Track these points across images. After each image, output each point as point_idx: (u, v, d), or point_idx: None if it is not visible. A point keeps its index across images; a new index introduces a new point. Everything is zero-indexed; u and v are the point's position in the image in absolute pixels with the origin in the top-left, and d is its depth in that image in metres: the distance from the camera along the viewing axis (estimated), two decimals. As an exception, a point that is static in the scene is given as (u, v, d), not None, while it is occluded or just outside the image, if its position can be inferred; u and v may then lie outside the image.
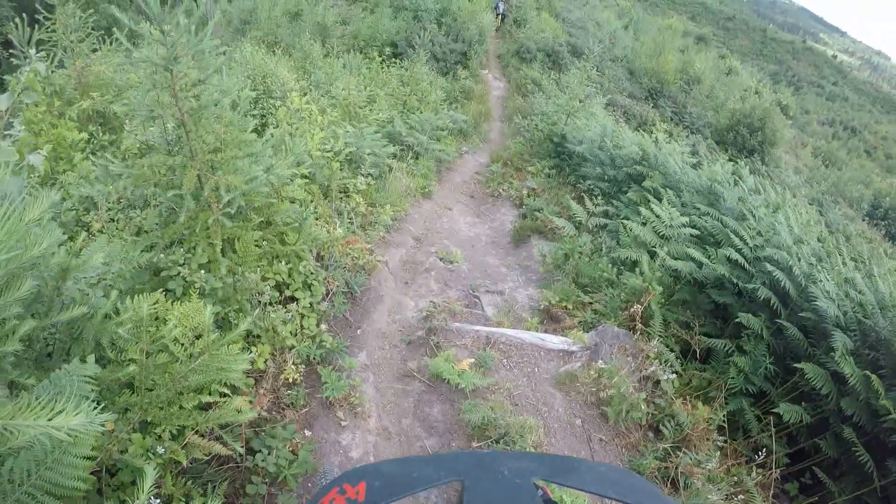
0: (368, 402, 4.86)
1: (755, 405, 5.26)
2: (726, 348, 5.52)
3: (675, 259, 6.09)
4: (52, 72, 5.88)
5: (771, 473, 4.60)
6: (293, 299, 5.04)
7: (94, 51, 6.53)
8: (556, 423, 4.97)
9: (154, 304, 3.16)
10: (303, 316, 4.99)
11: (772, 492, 4.59)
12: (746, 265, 5.70)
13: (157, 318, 3.35)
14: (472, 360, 5.25)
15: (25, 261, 1.65)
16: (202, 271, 3.97)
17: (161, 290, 3.79)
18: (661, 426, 4.97)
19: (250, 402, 3.78)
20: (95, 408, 1.49)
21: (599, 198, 7.87)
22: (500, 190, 10.31)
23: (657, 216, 6.38)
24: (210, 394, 3.18)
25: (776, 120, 15.56)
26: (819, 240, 6.32)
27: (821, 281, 5.16)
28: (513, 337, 5.65)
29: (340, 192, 7.20)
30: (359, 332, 5.60)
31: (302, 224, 5.17)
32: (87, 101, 5.72)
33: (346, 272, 5.95)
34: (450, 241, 8.36)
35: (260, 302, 4.49)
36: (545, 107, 12.41)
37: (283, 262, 4.91)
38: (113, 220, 4.56)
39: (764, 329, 5.27)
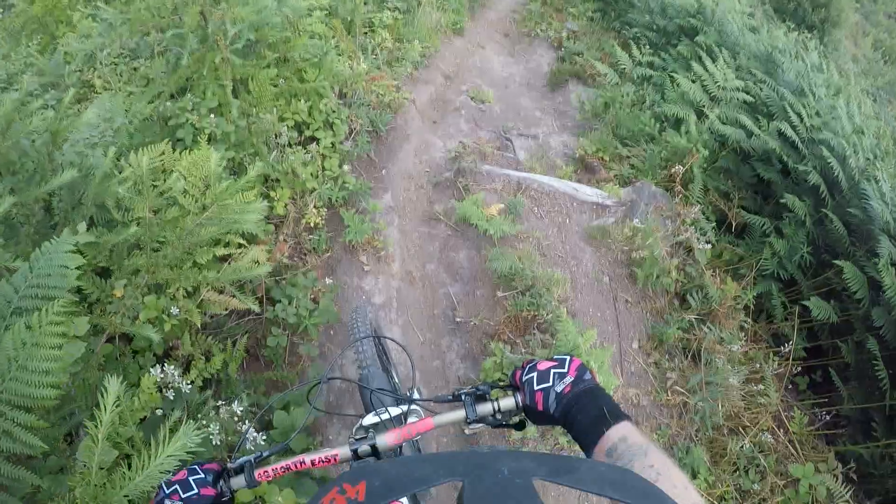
0: (393, 245, 4.60)
1: (782, 291, 4.94)
2: (764, 227, 5.11)
3: (724, 123, 5.53)
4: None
5: (788, 364, 4.38)
6: (314, 139, 4.60)
7: None
8: (584, 278, 4.71)
9: (160, 155, 2.81)
10: (324, 157, 4.58)
11: (784, 383, 4.43)
12: (799, 144, 5.13)
13: (163, 171, 3.01)
14: (502, 205, 4.90)
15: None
16: (212, 116, 3.53)
17: (171, 140, 3.44)
18: (688, 296, 4.69)
19: (268, 251, 3.50)
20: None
21: (646, 47, 7.11)
22: (538, 30, 9.34)
23: (710, 74, 5.70)
24: (226, 245, 2.89)
25: (843, 0, 13.93)
26: (876, 136, 5.65)
27: (878, 180, 4.63)
28: (545, 184, 5.25)
29: (365, 27, 6.55)
30: (383, 172, 5.23)
31: (322, 59, 4.64)
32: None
33: (371, 110, 5.46)
34: (481, 81, 7.69)
35: (278, 144, 4.09)
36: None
37: (303, 101, 4.43)
38: (118, 74, 4.10)
39: (808, 216, 4.84)
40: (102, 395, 1.34)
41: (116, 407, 1.37)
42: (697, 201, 5.28)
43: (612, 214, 5.11)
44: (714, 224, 5.26)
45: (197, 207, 2.90)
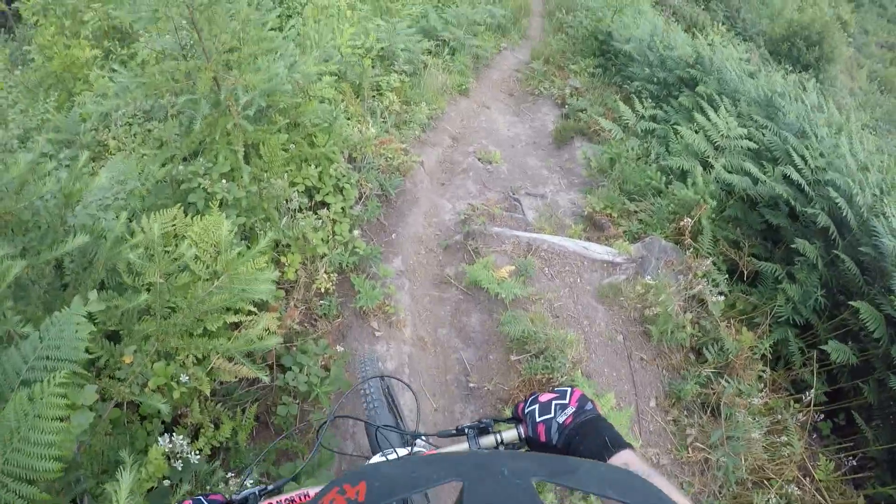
0: (404, 310, 4.57)
1: (798, 336, 4.84)
2: (776, 274, 5.05)
3: (730, 172, 5.54)
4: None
5: (809, 411, 4.26)
6: (324, 204, 4.66)
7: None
8: (597, 338, 4.66)
9: (172, 220, 2.84)
10: (334, 221, 4.63)
11: (807, 430, 4.29)
12: (806, 187, 5.10)
13: (175, 237, 3.04)
14: (513, 267, 4.90)
15: None
16: (223, 181, 3.56)
17: (182, 204, 3.48)
18: (704, 349, 4.63)
19: (279, 318, 3.49)
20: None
21: (648, 100, 7.19)
22: (541, 88, 9.57)
23: (713, 124, 5.74)
24: (236, 313, 2.89)
25: (836, 36, 14.09)
26: (880, 170, 5.61)
27: (887, 215, 4.57)
28: (555, 244, 5.25)
29: (373, 91, 6.70)
30: (393, 236, 5.26)
31: (332, 124, 4.73)
32: (87, 15, 5.22)
33: (380, 174, 5.55)
34: (488, 141, 7.82)
35: (289, 209, 4.13)
36: (590, 1, 11.48)
37: (313, 166, 4.50)
38: (132, 135, 4.18)
39: (819, 259, 4.78)
40: (115, 481, 1.31)
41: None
42: (708, 253, 5.23)
43: (623, 272, 5.09)
44: (726, 275, 5.19)
45: (208, 273, 2.91)
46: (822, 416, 4.44)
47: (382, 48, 6.83)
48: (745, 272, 5.25)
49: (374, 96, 6.62)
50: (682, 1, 15.33)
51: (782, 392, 4.65)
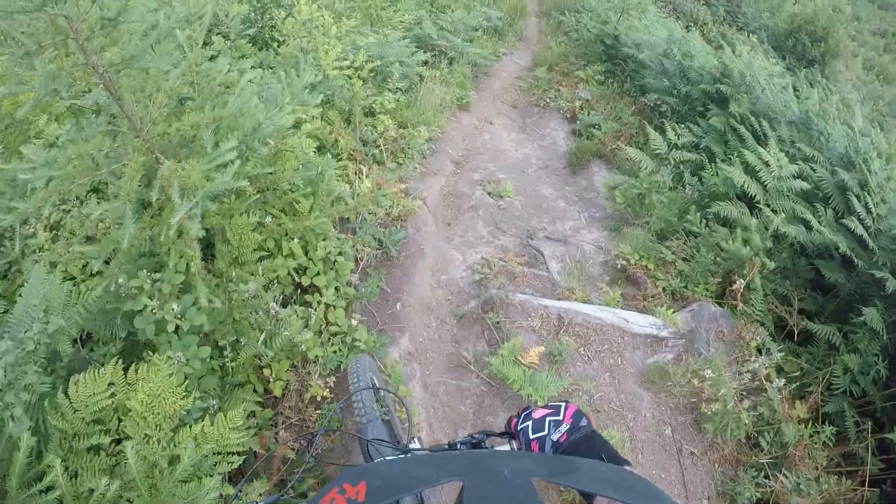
0: (417, 410, 3.68)
1: (851, 405, 4.12)
2: (832, 339, 4.29)
3: (778, 215, 4.66)
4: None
5: (864, 494, 3.68)
6: (313, 287, 3.72)
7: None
8: (643, 433, 3.84)
9: (106, 390, 2.01)
10: (327, 307, 3.70)
11: None
12: (869, 241, 4.28)
13: (115, 410, 2.18)
14: (542, 348, 4.01)
15: None
16: (175, 304, 2.58)
17: (126, 338, 2.60)
18: (760, 438, 3.89)
19: (267, 474, 2.62)
20: None
21: (676, 123, 6.12)
22: (547, 98, 8.54)
23: (765, 163, 4.78)
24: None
25: (840, 31, 13.14)
26: None
27: None
28: (591, 316, 4.34)
29: (365, 115, 5.75)
30: (398, 306, 4.33)
31: (317, 183, 3.75)
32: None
33: (378, 227, 4.64)
34: (495, 166, 6.83)
35: (267, 312, 3.18)
36: (592, 1, 10.49)
37: (296, 240, 3.56)
38: (63, 226, 3.20)
39: (884, 329, 4.03)
40: None
41: None
42: (759, 317, 4.43)
43: (669, 349, 4.23)
44: (774, 337, 4.43)
45: (164, 456, 2.07)
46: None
47: (374, 66, 5.82)
48: (796, 331, 4.47)
49: (367, 124, 5.67)
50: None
51: (836, 469, 3.95)
